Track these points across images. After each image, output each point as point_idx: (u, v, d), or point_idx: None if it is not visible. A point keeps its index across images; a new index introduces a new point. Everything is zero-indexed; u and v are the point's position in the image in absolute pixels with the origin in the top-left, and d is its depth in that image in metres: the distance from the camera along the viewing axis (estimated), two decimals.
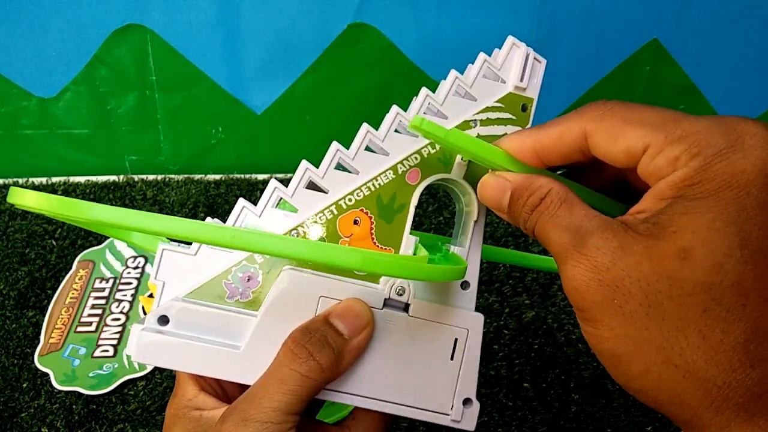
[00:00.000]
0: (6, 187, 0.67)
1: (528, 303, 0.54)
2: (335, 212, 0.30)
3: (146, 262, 0.58)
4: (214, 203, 0.64)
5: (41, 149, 0.69)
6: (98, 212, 0.22)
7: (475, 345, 0.31)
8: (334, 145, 0.30)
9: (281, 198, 0.29)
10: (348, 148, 0.30)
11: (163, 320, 0.28)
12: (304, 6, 0.62)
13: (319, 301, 0.29)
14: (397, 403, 0.30)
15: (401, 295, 0.30)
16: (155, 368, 0.48)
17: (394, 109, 0.31)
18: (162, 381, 0.47)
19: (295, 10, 0.62)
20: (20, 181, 0.68)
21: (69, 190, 0.67)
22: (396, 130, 0.30)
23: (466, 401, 0.30)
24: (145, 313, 0.52)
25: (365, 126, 0.30)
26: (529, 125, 0.32)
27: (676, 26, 0.64)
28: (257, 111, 0.67)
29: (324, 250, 0.25)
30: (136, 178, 0.69)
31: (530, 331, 0.52)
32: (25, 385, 0.47)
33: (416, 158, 0.31)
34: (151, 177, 0.69)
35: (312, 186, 0.30)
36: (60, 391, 0.46)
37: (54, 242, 0.60)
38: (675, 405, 0.22)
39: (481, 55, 0.31)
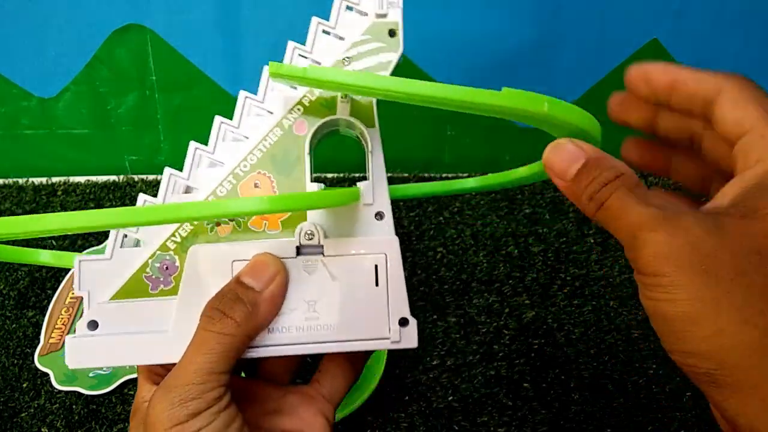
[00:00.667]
0: (6, 187, 0.67)
1: (528, 303, 0.54)
2: (233, 181, 0.31)
3: None
4: None
5: (41, 149, 0.69)
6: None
7: (396, 266, 0.31)
8: (218, 119, 0.31)
9: (176, 182, 0.31)
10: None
11: (93, 325, 0.29)
12: (304, 6, 0.62)
13: (233, 265, 0.30)
14: (338, 341, 0.30)
15: (311, 238, 0.30)
16: None
17: (266, 69, 0.32)
18: None
19: (295, 10, 0.62)
20: (20, 181, 0.68)
21: (69, 190, 0.67)
22: (272, 89, 0.32)
23: (402, 321, 0.31)
24: None
25: (241, 93, 0.32)
26: (400, 49, 0.34)
27: (676, 26, 0.64)
28: None
29: (219, 204, 0.26)
30: (136, 178, 0.69)
31: (530, 331, 0.52)
32: (25, 385, 0.47)
33: (299, 109, 0.32)
34: (151, 177, 0.69)
35: (204, 162, 0.31)
36: (60, 391, 0.46)
37: (54, 242, 0.60)
38: (743, 367, 0.22)
39: None
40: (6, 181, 0.69)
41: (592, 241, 0.60)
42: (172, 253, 0.30)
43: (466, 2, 0.62)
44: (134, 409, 0.30)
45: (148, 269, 0.30)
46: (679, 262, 0.23)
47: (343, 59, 0.32)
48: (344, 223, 0.31)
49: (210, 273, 0.30)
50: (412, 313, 0.30)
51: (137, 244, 0.30)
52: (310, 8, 0.65)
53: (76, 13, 0.62)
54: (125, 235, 0.30)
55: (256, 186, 0.31)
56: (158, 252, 0.30)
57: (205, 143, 0.32)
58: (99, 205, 0.65)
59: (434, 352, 0.50)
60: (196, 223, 0.30)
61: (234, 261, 0.30)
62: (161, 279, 0.30)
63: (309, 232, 0.30)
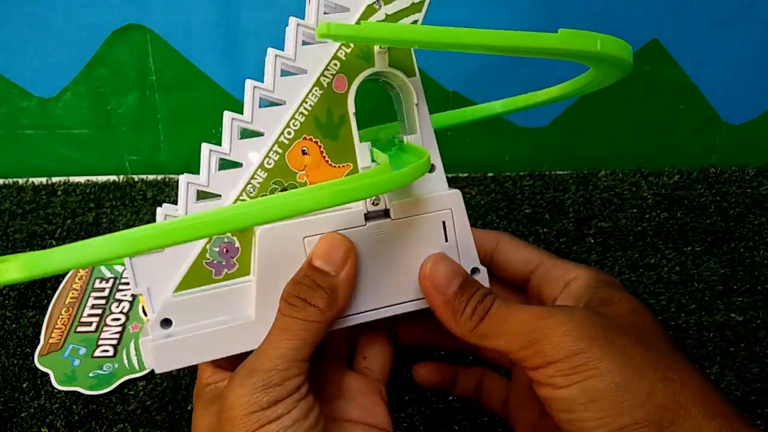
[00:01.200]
0: (6, 187, 0.67)
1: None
2: (280, 151, 0.29)
3: None
4: None
5: (41, 149, 0.69)
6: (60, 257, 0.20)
7: (462, 220, 0.30)
8: (249, 83, 0.28)
9: (220, 159, 0.28)
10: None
11: (166, 323, 0.28)
12: (304, 6, 0.62)
13: (305, 242, 0.28)
14: (413, 300, 0.30)
15: (377, 204, 0.29)
16: None
17: (293, 20, 0.29)
18: (162, 381, 0.47)
19: (295, 10, 0.62)
20: (20, 181, 0.68)
21: (69, 190, 0.67)
22: (304, 42, 0.29)
23: (474, 270, 0.31)
24: (145, 314, 0.52)
25: (269, 51, 0.28)
26: None
27: (676, 26, 0.64)
28: None
29: (289, 203, 0.23)
30: (136, 178, 0.69)
31: None
32: (25, 385, 0.47)
33: (336, 65, 0.29)
34: (151, 177, 0.69)
35: (245, 134, 0.28)
36: (60, 391, 0.46)
37: (54, 242, 0.60)
38: (680, 421, 0.23)
39: None
40: (6, 181, 0.69)
41: (592, 241, 0.60)
42: (229, 234, 0.28)
43: (465, 2, 0.62)
44: (197, 392, 0.29)
45: (207, 255, 0.28)
46: (590, 336, 0.25)
47: (374, 3, 0.30)
48: None
49: (284, 253, 0.28)
50: None
51: None
52: None
53: (76, 13, 0.62)
54: None
55: (304, 153, 0.29)
56: (215, 236, 0.28)
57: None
58: (99, 205, 0.65)
59: (434, 352, 0.50)
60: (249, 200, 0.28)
61: (305, 237, 0.28)
62: (223, 263, 0.28)
63: (375, 199, 0.29)
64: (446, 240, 0.30)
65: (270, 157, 0.28)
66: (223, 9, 0.62)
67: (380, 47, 0.29)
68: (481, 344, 0.27)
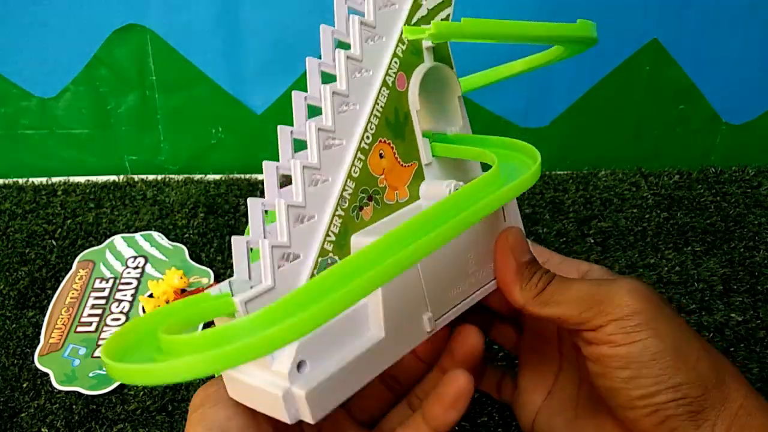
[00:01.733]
0: (6, 187, 0.67)
1: None
2: (363, 157, 0.27)
3: (146, 262, 0.58)
4: (214, 203, 0.64)
5: (41, 149, 0.69)
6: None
7: (513, 201, 0.31)
8: (324, 87, 0.26)
9: (306, 169, 0.26)
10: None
11: (301, 365, 0.24)
12: (304, 6, 0.62)
13: None
14: (490, 281, 0.31)
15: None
16: None
17: (355, 19, 0.28)
18: None
19: (295, 10, 0.62)
20: (20, 181, 0.68)
21: (69, 190, 0.67)
22: (367, 40, 0.28)
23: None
24: (145, 313, 0.52)
25: (338, 52, 0.27)
26: None
27: (676, 26, 0.64)
28: (257, 111, 0.67)
29: (431, 241, 0.22)
30: (136, 178, 0.69)
31: None
32: (25, 385, 0.47)
33: (396, 62, 0.29)
34: (151, 177, 0.69)
35: (327, 144, 0.26)
36: (60, 391, 0.46)
37: (54, 242, 0.60)
38: (721, 382, 0.26)
39: None
40: (6, 181, 0.69)
41: (592, 241, 0.60)
42: (332, 254, 0.26)
43: (466, 2, 0.62)
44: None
45: None
46: (649, 300, 0.27)
47: None
48: (454, 170, 0.31)
49: None
50: None
51: (293, 258, 0.25)
52: (309, 8, 0.65)
53: (76, 13, 0.62)
54: (284, 254, 0.25)
55: (381, 156, 0.28)
56: (320, 259, 0.26)
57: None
58: (99, 205, 0.65)
59: None
60: (344, 214, 0.27)
61: None
62: None
63: (455, 185, 0.29)
64: (504, 220, 0.31)
65: (356, 166, 0.27)
66: (223, 9, 0.62)
67: (431, 42, 0.29)
68: (539, 312, 0.29)
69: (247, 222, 0.25)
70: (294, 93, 0.26)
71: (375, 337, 0.26)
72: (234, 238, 0.24)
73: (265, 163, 0.25)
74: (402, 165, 0.29)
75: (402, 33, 0.29)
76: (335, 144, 0.26)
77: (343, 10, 0.28)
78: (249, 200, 0.25)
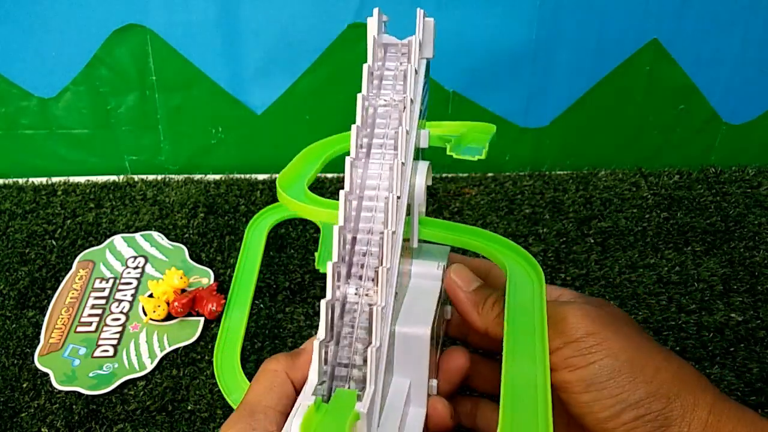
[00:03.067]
0: (6, 187, 0.67)
1: None
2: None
3: (146, 262, 0.58)
4: (214, 203, 0.64)
5: (41, 149, 0.69)
6: None
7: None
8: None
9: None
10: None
11: None
12: (304, 6, 0.62)
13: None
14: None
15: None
16: (155, 368, 0.48)
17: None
18: (162, 381, 0.47)
19: (295, 10, 0.62)
20: (20, 181, 0.68)
21: (69, 190, 0.67)
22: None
23: None
24: (145, 314, 0.52)
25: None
26: None
27: (676, 26, 0.64)
28: (257, 111, 0.67)
29: None
30: (136, 178, 0.69)
31: None
32: (25, 385, 0.47)
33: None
34: (151, 177, 0.69)
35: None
36: (60, 391, 0.46)
37: (54, 242, 0.60)
38: (684, 390, 0.27)
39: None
40: (6, 181, 0.69)
41: (592, 241, 0.60)
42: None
43: (466, 2, 0.62)
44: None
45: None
46: (602, 321, 0.28)
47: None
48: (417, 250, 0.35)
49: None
50: None
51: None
52: (309, 8, 0.65)
53: (76, 13, 0.62)
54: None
55: None
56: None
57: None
58: (99, 205, 0.65)
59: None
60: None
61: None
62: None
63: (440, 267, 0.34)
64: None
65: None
66: (223, 9, 0.62)
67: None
68: (501, 333, 0.29)
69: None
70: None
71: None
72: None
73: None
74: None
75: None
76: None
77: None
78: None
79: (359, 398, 0.25)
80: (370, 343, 0.26)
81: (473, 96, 0.67)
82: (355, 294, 0.27)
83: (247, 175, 0.69)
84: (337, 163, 0.36)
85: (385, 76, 0.31)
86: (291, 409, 0.28)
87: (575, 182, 0.68)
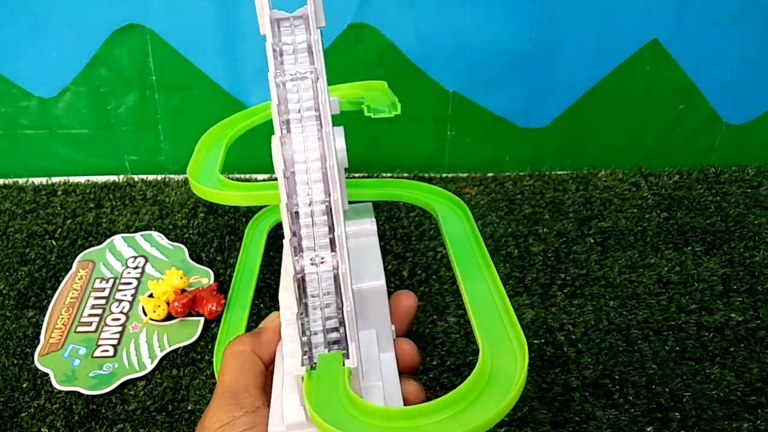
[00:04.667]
0: (6, 187, 0.67)
1: (528, 303, 0.54)
2: None
3: (146, 262, 0.58)
4: (214, 203, 0.64)
5: (41, 149, 0.69)
6: None
7: None
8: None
9: None
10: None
11: None
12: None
13: None
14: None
15: None
16: (155, 368, 0.48)
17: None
18: (162, 381, 0.47)
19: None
20: (20, 181, 0.68)
21: (69, 190, 0.67)
22: None
23: None
24: (145, 314, 0.52)
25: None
26: None
27: (676, 26, 0.64)
28: None
29: None
30: (136, 178, 0.69)
31: (530, 331, 0.52)
32: (25, 385, 0.47)
33: None
34: (151, 177, 0.69)
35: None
36: (60, 391, 0.46)
37: (54, 242, 0.60)
38: None
39: None
40: (6, 181, 0.69)
41: (592, 241, 0.60)
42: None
43: (466, 2, 0.62)
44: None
45: None
46: None
47: None
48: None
49: None
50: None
51: None
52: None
53: (76, 13, 0.62)
54: None
55: None
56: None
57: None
58: (99, 205, 0.65)
59: (434, 352, 0.50)
60: None
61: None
62: None
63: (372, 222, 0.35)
64: None
65: None
66: (223, 9, 0.62)
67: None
68: None
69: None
70: None
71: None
72: None
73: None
74: None
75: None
76: None
77: None
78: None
79: (345, 357, 0.27)
80: (338, 305, 0.28)
81: (473, 96, 0.67)
82: (312, 264, 0.28)
83: (247, 175, 0.69)
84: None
85: (285, 50, 0.32)
86: (266, 385, 0.29)
87: (575, 182, 0.68)
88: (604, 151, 0.72)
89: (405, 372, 0.32)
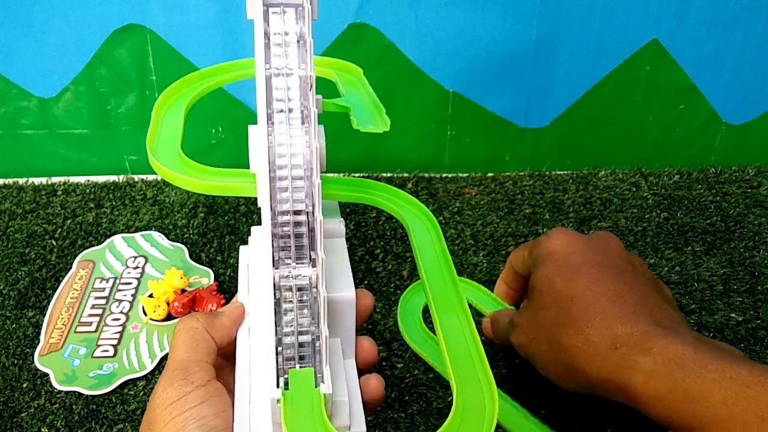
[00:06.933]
0: (6, 187, 0.67)
1: None
2: None
3: (146, 261, 0.58)
4: (214, 203, 0.65)
5: (41, 149, 0.69)
6: None
7: None
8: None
9: None
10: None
11: None
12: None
13: None
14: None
15: None
16: (155, 368, 0.48)
17: None
18: None
19: None
20: (20, 181, 0.68)
21: (69, 190, 0.67)
22: None
23: None
24: (145, 314, 0.52)
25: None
26: None
27: (676, 26, 0.64)
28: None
29: None
30: (136, 178, 0.69)
31: None
32: (25, 385, 0.47)
33: None
34: (151, 177, 0.69)
35: None
36: (60, 391, 0.46)
37: (54, 242, 0.60)
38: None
39: None
40: (6, 181, 0.69)
41: None
42: None
43: (466, 2, 0.62)
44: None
45: None
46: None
47: None
48: None
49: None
50: None
51: None
52: None
53: (76, 13, 0.62)
54: None
55: None
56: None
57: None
58: (99, 205, 0.65)
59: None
60: None
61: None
62: None
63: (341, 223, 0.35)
64: None
65: None
66: (223, 9, 0.62)
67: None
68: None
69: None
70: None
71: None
72: None
73: None
74: None
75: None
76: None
77: None
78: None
79: (319, 380, 0.27)
80: (311, 319, 0.28)
81: (473, 96, 0.67)
82: (287, 276, 0.28)
83: None
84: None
85: (273, 41, 0.30)
86: (216, 362, 0.30)
87: (575, 182, 0.68)
88: (604, 151, 0.72)
89: (364, 367, 0.32)
